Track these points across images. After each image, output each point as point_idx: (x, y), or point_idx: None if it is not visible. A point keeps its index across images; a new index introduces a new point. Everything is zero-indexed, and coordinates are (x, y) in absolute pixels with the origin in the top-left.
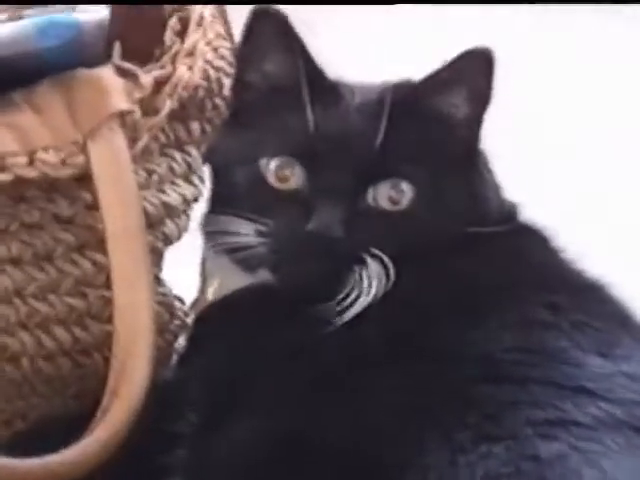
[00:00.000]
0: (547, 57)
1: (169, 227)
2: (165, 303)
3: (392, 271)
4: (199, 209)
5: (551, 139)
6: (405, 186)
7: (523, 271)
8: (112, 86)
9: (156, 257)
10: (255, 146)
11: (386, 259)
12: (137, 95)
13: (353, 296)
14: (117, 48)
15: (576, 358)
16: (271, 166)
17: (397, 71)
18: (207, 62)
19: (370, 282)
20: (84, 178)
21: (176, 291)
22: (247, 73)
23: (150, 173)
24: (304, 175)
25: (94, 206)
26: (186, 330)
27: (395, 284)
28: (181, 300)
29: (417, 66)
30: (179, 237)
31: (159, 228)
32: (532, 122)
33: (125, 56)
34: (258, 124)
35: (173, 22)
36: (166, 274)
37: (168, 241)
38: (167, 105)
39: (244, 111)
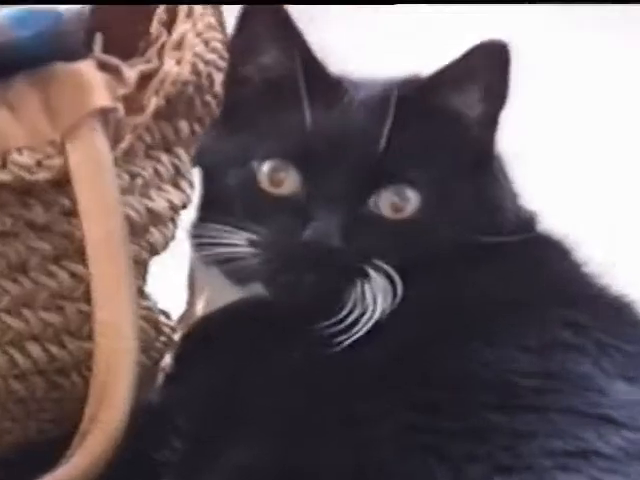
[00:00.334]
0: (549, 57)
1: (154, 236)
2: (150, 318)
3: (399, 286)
4: (187, 216)
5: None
6: (410, 192)
7: (542, 286)
8: (93, 81)
9: (140, 268)
10: (247, 147)
11: (392, 272)
12: (120, 91)
13: (356, 314)
14: (98, 40)
15: (600, 383)
16: (264, 169)
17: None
18: (197, 55)
19: (375, 298)
20: (61, 182)
21: (162, 305)
22: (240, 67)
23: (134, 177)
24: (300, 179)
25: (72, 212)
26: (173, 348)
27: (400, 301)
28: (167, 315)
29: (420, 65)
30: (165, 247)
31: (144, 237)
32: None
33: (107, 49)
34: (251, 123)
35: (160, 12)
36: (151, 287)
37: (153, 251)
38: (153, 102)
39: (237, 109)
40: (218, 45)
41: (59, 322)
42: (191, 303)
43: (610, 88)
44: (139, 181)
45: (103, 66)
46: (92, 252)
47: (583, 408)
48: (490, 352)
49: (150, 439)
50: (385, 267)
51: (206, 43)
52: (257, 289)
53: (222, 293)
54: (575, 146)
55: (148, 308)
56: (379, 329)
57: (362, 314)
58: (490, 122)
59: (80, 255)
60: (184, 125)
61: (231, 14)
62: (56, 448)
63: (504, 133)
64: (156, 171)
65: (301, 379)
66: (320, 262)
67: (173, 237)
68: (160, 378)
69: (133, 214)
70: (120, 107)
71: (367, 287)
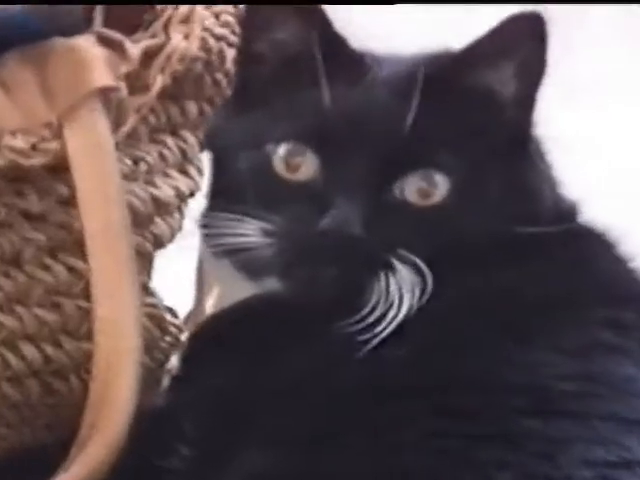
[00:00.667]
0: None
1: (160, 226)
2: (154, 316)
3: (429, 279)
4: (196, 205)
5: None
6: (439, 177)
7: (582, 282)
8: (93, 58)
9: (144, 262)
10: (261, 129)
11: (420, 263)
12: (123, 69)
13: (380, 311)
14: (99, 13)
15: None
16: (279, 152)
17: None
18: (206, 30)
19: (401, 293)
20: (58, 168)
21: (168, 302)
22: (254, 43)
23: (137, 162)
24: (318, 163)
25: (70, 201)
26: (179, 348)
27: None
28: (174, 313)
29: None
30: (172, 238)
31: (148, 227)
32: None
33: (109, 23)
34: (265, 103)
35: None
36: (156, 282)
37: (159, 243)
38: (158, 81)
39: (250, 88)
40: (230, 18)
41: (55, 320)
42: (200, 300)
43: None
44: (143, 167)
45: (104, 41)
46: (91, 244)
47: (626, 414)
48: (524, 353)
49: (155, 446)
50: (412, 258)
51: (217, 16)
52: (272, 284)
53: (233, 289)
54: (623, 128)
55: (152, 305)
56: (405, 327)
57: (387, 311)
58: (526, 101)
59: (78, 247)
60: (192, 106)
61: None
62: (53, 455)
63: (542, 113)
64: (161, 156)
65: (319, 382)
66: (340, 253)
67: (180, 228)
68: (166, 381)
69: (136, 203)
70: (123, 86)
71: (392, 280)
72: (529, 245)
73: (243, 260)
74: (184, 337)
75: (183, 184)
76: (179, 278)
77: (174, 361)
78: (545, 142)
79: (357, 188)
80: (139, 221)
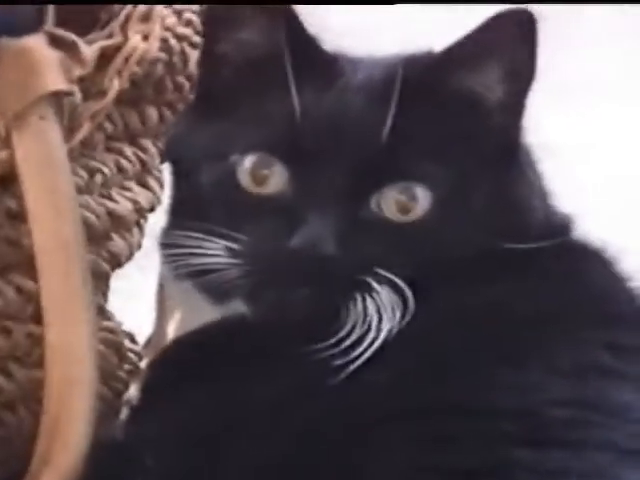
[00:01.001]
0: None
1: (117, 244)
2: (111, 342)
3: (410, 300)
4: (156, 221)
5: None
6: (419, 190)
7: (576, 299)
8: (44, 60)
9: (100, 282)
10: (226, 138)
11: (401, 284)
12: (77, 72)
13: (357, 334)
14: (51, 11)
15: None
16: (245, 164)
17: None
18: (168, 29)
19: (380, 315)
20: (6, 179)
21: (126, 327)
22: (218, 43)
23: (92, 173)
24: (287, 176)
25: (19, 216)
26: (139, 377)
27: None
28: (132, 338)
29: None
30: (130, 257)
31: (104, 245)
32: None
33: (62, 22)
34: (231, 110)
35: None
36: (113, 304)
37: (116, 262)
38: (115, 85)
39: (213, 93)
40: (193, 17)
41: (4, 346)
42: (160, 324)
43: None
44: (98, 178)
45: (56, 42)
46: (42, 263)
47: (625, 443)
48: (514, 375)
49: None
50: (391, 278)
51: (179, 15)
52: (238, 307)
53: (197, 312)
54: (618, 136)
55: (109, 329)
56: (385, 351)
57: (364, 334)
58: (514, 106)
59: (28, 266)
60: (152, 112)
61: None
62: None
63: (532, 119)
64: (119, 166)
65: (292, 411)
66: (312, 274)
67: (139, 246)
68: (124, 412)
69: (91, 218)
70: (76, 91)
71: (370, 302)
72: (519, 262)
73: (207, 282)
74: (144, 364)
75: (142, 198)
76: (138, 300)
77: (133, 391)
78: (535, 150)
79: (330, 202)
80: (94, 238)
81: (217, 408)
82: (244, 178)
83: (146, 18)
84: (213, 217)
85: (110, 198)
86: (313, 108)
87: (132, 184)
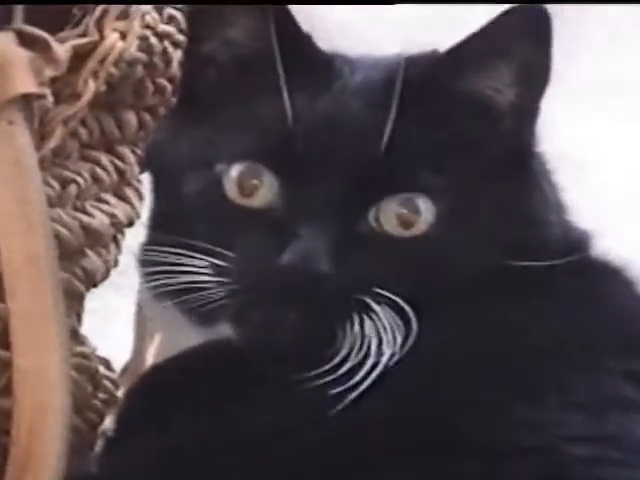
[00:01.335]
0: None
1: (92, 261)
2: (85, 368)
3: (414, 322)
4: (134, 236)
5: None
6: (422, 202)
7: (595, 324)
8: (12, 60)
9: (74, 303)
10: (211, 145)
11: (403, 304)
12: (48, 73)
13: (354, 360)
14: (20, 8)
15: None
16: (232, 173)
17: None
18: (148, 27)
19: (380, 339)
20: None
21: (101, 352)
22: (203, 42)
23: (66, 184)
24: (278, 186)
25: None
26: (115, 406)
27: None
28: (108, 364)
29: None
30: (106, 275)
31: (78, 262)
32: None
33: (32, 19)
34: (217, 115)
35: None
36: (87, 327)
37: (90, 280)
38: (90, 88)
39: (198, 96)
40: (176, 13)
41: None
42: (139, 349)
43: None
44: (72, 189)
45: (26, 40)
46: (11, 281)
47: None
48: (529, 411)
49: None
50: (392, 298)
51: (159, 11)
52: (224, 330)
53: (179, 335)
54: None
55: (83, 355)
56: (386, 378)
57: (363, 360)
58: (527, 111)
59: None
60: (131, 117)
61: None
62: None
63: (546, 126)
64: (94, 177)
65: (281, 444)
66: (304, 293)
67: (116, 263)
68: (99, 444)
69: (64, 232)
70: (48, 93)
71: (369, 324)
72: (532, 281)
73: (190, 302)
74: (121, 393)
75: (120, 211)
76: (114, 323)
77: (109, 421)
78: (550, 159)
79: (324, 216)
80: (67, 254)
81: (199, 441)
82: (231, 189)
83: (124, 14)
84: (197, 231)
85: (84, 211)
86: (306, 112)
87: (108, 196)
